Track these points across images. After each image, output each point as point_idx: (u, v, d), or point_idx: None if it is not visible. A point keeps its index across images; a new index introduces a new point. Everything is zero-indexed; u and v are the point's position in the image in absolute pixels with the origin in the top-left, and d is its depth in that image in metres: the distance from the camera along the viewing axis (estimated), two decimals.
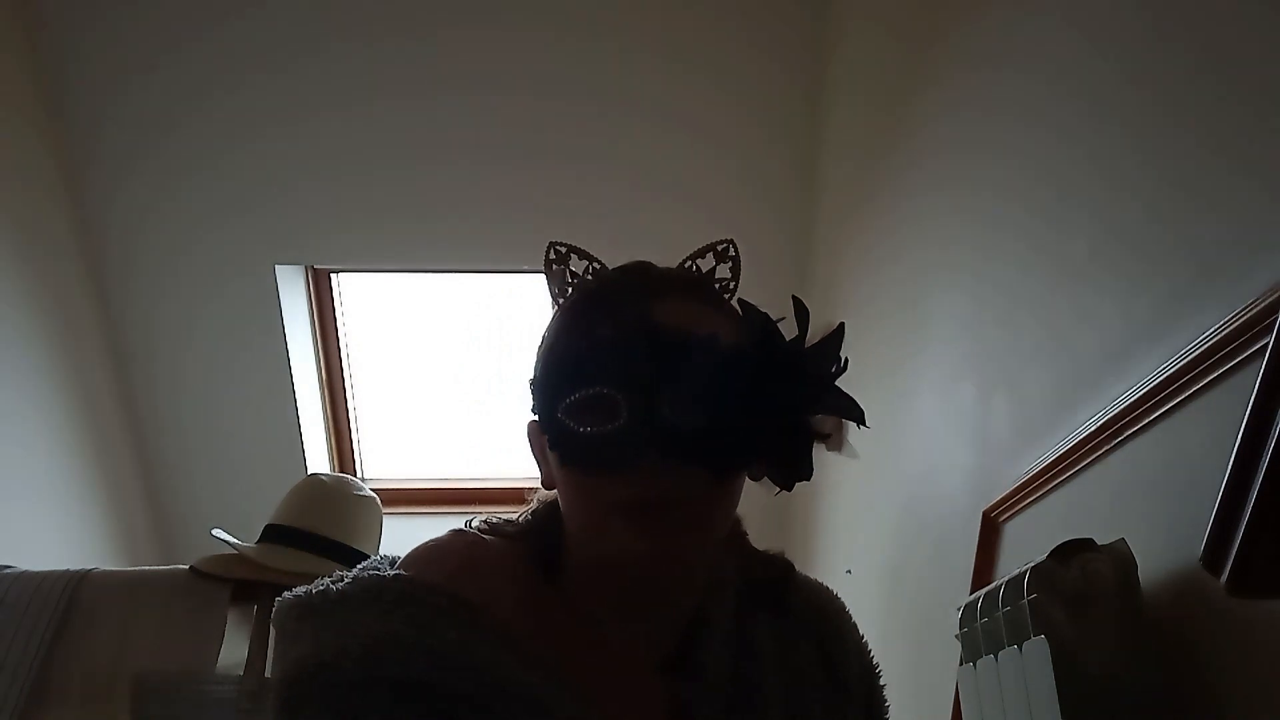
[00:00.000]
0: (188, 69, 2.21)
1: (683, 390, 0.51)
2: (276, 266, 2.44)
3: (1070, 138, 1.05)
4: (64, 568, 1.21)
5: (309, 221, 2.40)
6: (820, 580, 0.72)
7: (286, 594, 0.54)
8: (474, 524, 0.65)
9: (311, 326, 2.67)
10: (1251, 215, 0.74)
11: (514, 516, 0.66)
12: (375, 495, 1.40)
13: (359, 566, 0.57)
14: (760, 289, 0.61)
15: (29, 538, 2.14)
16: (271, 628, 0.55)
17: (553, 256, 0.59)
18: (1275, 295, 0.67)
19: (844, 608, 0.72)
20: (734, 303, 0.58)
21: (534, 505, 0.66)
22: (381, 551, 0.60)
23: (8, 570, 1.23)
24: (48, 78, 2.20)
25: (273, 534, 1.29)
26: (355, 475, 2.81)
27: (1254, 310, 0.69)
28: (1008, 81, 1.23)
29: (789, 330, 0.54)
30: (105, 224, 2.37)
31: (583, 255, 0.60)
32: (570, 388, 0.53)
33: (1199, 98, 0.81)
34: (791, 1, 2.20)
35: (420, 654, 0.50)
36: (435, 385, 2.89)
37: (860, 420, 0.56)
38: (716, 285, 0.61)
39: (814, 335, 0.55)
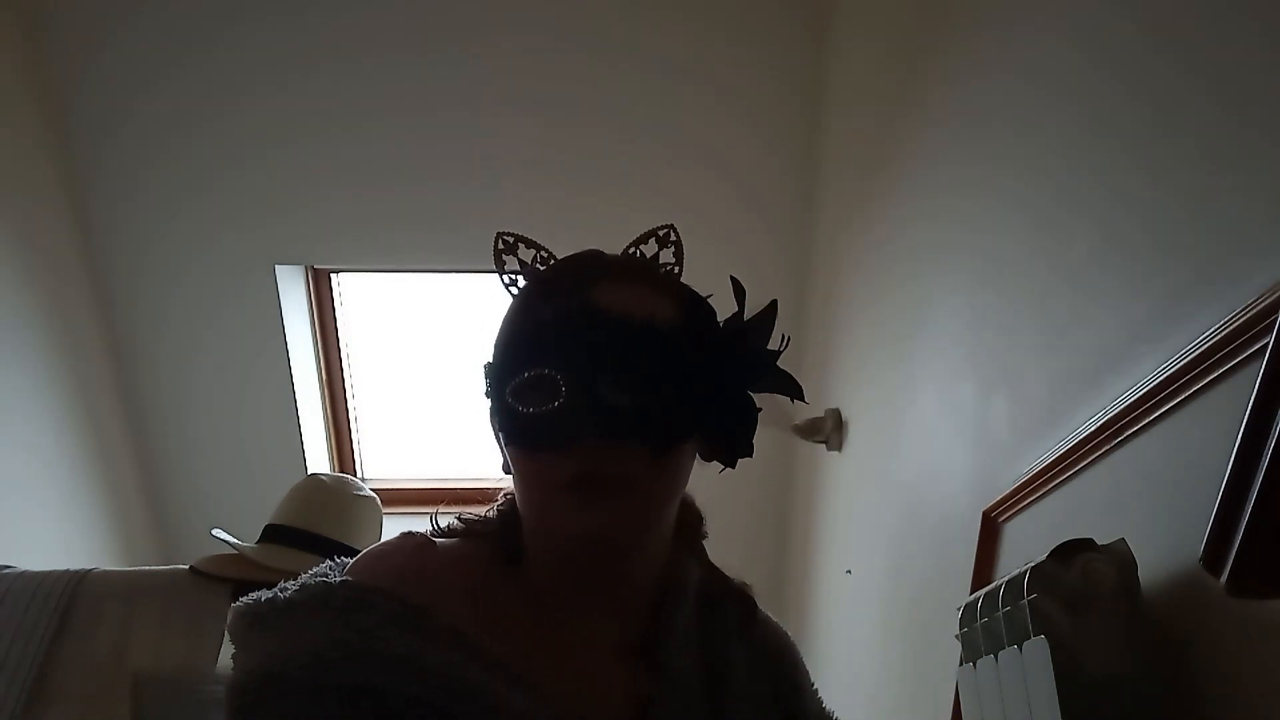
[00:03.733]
0: (191, 75, 2.21)
1: (620, 369, 0.52)
2: (276, 266, 2.44)
3: (1069, 142, 1.05)
4: (64, 568, 1.21)
5: (309, 221, 2.40)
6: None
7: (238, 602, 0.55)
8: (445, 523, 0.66)
9: (311, 326, 2.67)
10: (1251, 214, 0.74)
11: (482, 513, 0.67)
12: (375, 495, 1.40)
13: (308, 573, 0.57)
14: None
15: (29, 538, 2.14)
16: (226, 635, 0.55)
17: (501, 246, 0.61)
18: (1275, 295, 0.67)
19: (798, 653, 0.73)
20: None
21: (499, 500, 0.67)
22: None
23: (8, 570, 1.23)
24: (51, 83, 2.20)
25: (273, 534, 1.30)
26: (355, 475, 2.81)
27: (1254, 310, 0.69)
28: (1007, 91, 1.23)
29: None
30: (106, 226, 2.37)
31: (530, 244, 0.61)
32: (515, 370, 0.55)
33: (1195, 102, 0.81)
34: (790, 18, 2.20)
35: (368, 659, 0.50)
36: (435, 385, 2.89)
37: (798, 396, 0.58)
38: (662, 270, 0.63)
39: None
